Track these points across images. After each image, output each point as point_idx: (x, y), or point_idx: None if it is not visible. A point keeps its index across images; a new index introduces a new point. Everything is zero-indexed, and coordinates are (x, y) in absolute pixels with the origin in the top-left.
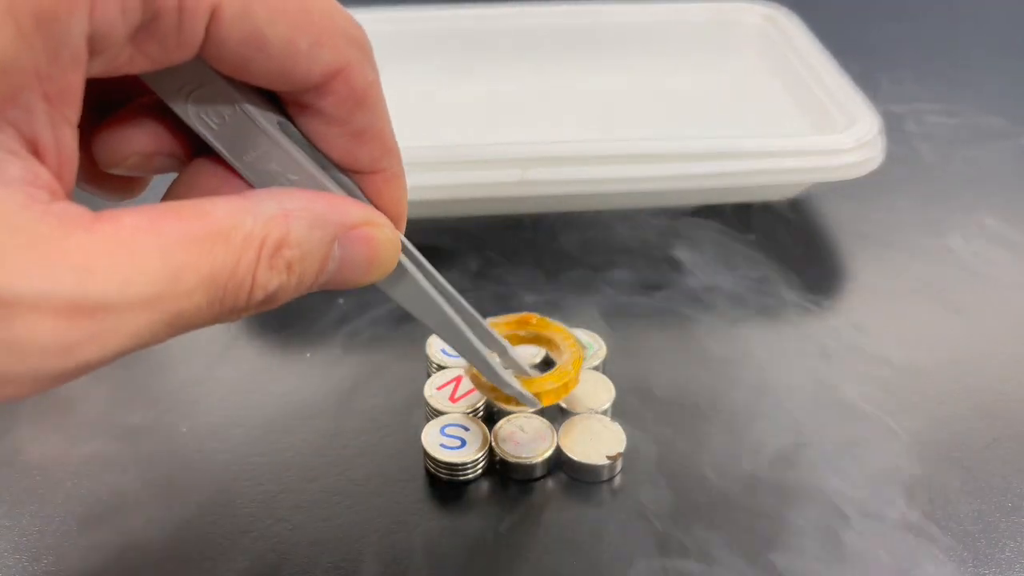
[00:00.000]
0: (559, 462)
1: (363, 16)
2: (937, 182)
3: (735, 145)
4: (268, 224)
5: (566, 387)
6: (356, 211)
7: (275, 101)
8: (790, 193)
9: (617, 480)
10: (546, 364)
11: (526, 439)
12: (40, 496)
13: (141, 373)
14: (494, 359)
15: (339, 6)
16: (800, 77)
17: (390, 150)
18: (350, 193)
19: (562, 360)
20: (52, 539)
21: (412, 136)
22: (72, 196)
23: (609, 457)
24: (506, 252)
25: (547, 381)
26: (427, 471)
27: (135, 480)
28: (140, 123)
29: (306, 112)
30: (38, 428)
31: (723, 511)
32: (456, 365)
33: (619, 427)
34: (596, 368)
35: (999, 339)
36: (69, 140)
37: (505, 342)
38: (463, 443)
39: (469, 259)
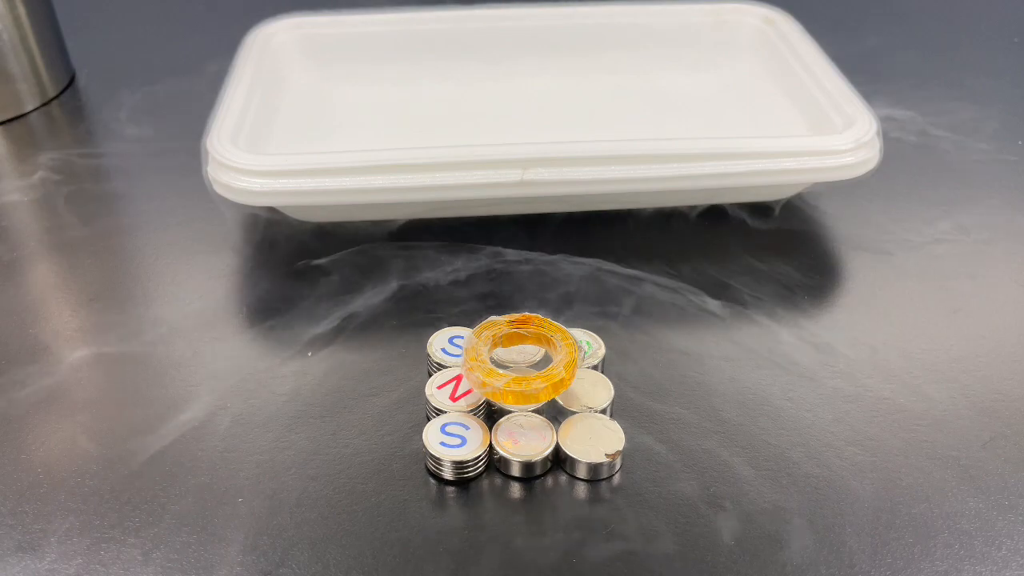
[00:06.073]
0: (559, 460)
1: (365, 18)
2: (934, 183)
3: (733, 146)
4: None
5: (555, 387)
6: None
7: None
8: (787, 194)
9: (616, 478)
10: (546, 364)
11: (526, 437)
12: (43, 495)
13: (141, 375)
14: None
15: None
16: (798, 78)
17: None
18: None
19: (557, 360)
20: (55, 537)
21: (412, 137)
22: None
23: (608, 455)
24: (506, 251)
25: (537, 380)
26: (428, 469)
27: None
28: None
29: None
30: (40, 426)
31: (722, 508)
32: (456, 364)
33: (618, 426)
34: (595, 367)
35: (997, 338)
36: None
37: None
38: (464, 441)
39: (469, 259)
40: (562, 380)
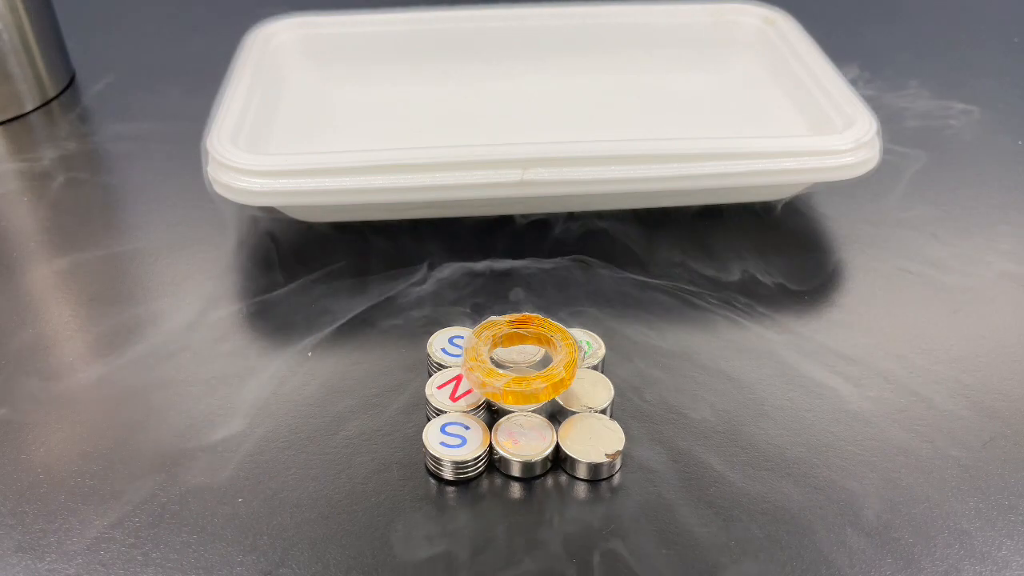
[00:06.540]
0: (559, 460)
1: (365, 18)
2: (934, 182)
3: (733, 146)
4: None
5: (555, 387)
6: None
7: None
8: (788, 194)
9: (616, 478)
10: (546, 364)
11: (526, 437)
12: (43, 495)
13: (139, 375)
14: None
15: None
16: (798, 78)
17: None
18: None
19: (557, 360)
20: (55, 537)
21: (412, 137)
22: None
23: (608, 455)
24: (506, 252)
25: (537, 380)
26: (428, 469)
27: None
28: None
29: None
30: (40, 426)
31: (721, 508)
32: (456, 364)
33: (618, 426)
34: (595, 367)
35: (997, 338)
36: None
37: None
38: (464, 441)
39: (470, 260)
40: (562, 380)
